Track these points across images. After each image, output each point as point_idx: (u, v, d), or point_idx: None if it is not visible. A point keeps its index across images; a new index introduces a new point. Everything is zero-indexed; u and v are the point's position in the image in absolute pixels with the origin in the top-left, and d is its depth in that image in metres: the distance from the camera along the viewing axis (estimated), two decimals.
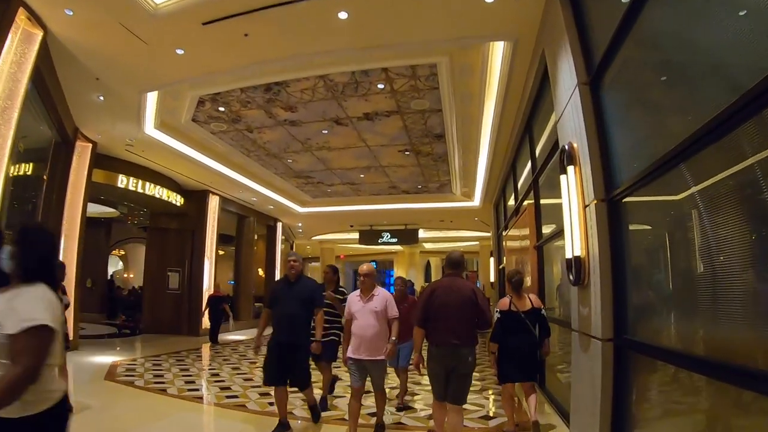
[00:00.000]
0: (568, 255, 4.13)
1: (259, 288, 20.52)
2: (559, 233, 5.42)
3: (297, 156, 12.79)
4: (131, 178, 12.75)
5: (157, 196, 13.57)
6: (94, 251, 19.29)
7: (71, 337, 10.22)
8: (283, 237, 23.53)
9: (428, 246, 30.77)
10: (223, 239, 21.16)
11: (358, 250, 32.64)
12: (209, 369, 9.66)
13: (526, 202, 8.24)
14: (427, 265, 35.54)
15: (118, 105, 9.01)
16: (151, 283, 15.76)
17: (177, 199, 14.58)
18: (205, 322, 14.32)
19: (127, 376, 8.46)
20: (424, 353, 4.54)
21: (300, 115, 9.95)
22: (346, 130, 10.67)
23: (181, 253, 15.54)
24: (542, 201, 7.10)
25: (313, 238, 26.83)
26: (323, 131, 10.82)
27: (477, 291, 4.51)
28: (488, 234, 22.15)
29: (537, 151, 7.33)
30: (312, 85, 8.56)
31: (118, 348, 12.30)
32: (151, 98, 9.19)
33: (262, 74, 8.12)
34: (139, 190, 12.96)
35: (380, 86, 8.47)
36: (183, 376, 8.68)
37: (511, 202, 11.01)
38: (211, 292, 14.68)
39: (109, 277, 19.75)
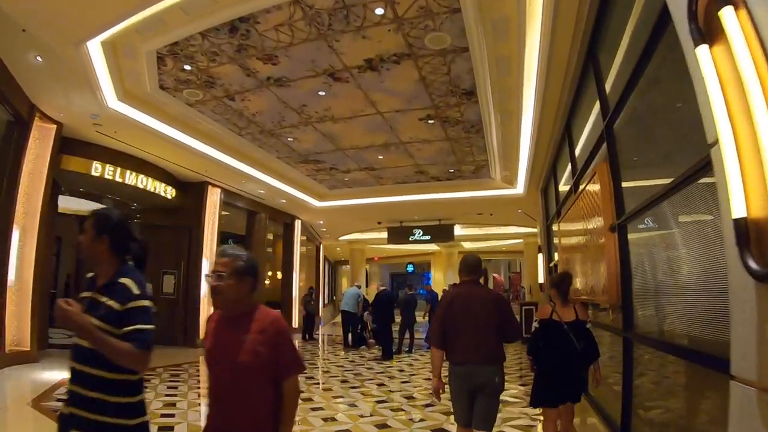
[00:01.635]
0: (737, 213, 1.66)
1: (275, 293, 18.40)
2: (658, 200, 3.28)
3: (297, 132, 10.53)
4: (108, 166, 10.74)
5: (141, 186, 11.52)
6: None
7: (28, 347, 8.63)
8: (305, 237, 21.42)
9: (467, 245, 28.27)
10: (232, 240, 19.31)
11: (393, 252, 30.54)
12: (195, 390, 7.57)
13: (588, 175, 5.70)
14: None
15: (60, 66, 7.21)
16: None
17: (168, 192, 12.54)
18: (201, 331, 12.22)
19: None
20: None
21: (284, 69, 7.68)
22: (347, 88, 8.31)
23: (176, 254, 13.51)
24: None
25: (341, 238, 24.58)
26: (319, 93, 8.50)
27: (501, 298, 4.16)
28: (534, 230, 19.60)
29: (608, 87, 4.87)
30: (287, 17, 6.24)
31: None
32: (98, 57, 7.21)
33: (219, 4, 5.98)
34: (118, 179, 10.96)
35: (378, 11, 6.07)
36: (158, 399, 6.85)
37: (563, 184, 8.64)
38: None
39: None
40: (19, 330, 8.56)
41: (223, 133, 10.69)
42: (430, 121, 9.77)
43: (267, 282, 20.30)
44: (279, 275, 18.94)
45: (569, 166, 7.78)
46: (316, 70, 7.71)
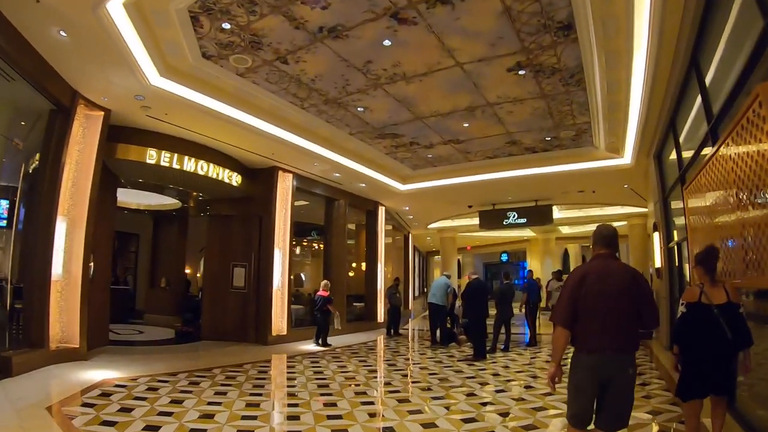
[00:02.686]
0: None
1: (359, 286, 17.22)
2: None
3: (366, 99, 9.17)
4: (164, 153, 10.01)
5: (203, 173, 10.65)
6: (167, 248, 17.32)
7: (76, 344, 8.01)
8: (390, 226, 20.13)
9: (565, 231, 25.97)
10: (315, 231, 18.36)
11: (486, 240, 28.82)
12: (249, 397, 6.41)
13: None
14: (565, 254, 30.41)
15: (88, 39, 6.51)
16: (212, 280, 13.03)
17: (234, 179, 11.59)
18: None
19: (100, 403, 5.71)
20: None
21: (337, 14, 6.38)
22: (416, 33, 6.80)
23: (247, 245, 12.63)
24: None
25: (430, 226, 23.03)
26: (384, 42, 7.07)
27: (640, 275, 3.63)
28: (640, 209, 17.58)
29: None
30: None
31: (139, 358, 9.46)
32: (126, 25, 6.38)
33: None
34: (176, 165, 10.18)
35: None
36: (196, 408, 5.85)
37: (687, 144, 6.78)
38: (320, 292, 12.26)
39: (187, 277, 17.51)
40: (68, 326, 7.92)
41: (284, 108, 9.61)
42: (520, 72, 8.06)
43: (351, 274, 19.19)
44: (363, 267, 17.72)
45: (690, 121, 5.90)
46: (375, 10, 6.32)
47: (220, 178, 11.12)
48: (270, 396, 6.68)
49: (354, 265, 18.78)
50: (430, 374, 8.43)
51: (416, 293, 27.88)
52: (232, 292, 12.56)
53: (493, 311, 11.16)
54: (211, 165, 10.87)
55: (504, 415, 5.77)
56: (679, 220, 9.40)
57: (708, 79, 5.92)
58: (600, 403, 3.42)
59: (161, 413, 5.55)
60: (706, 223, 5.77)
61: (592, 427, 3.49)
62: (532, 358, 10.18)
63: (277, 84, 8.65)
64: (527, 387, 7.33)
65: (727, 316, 3.84)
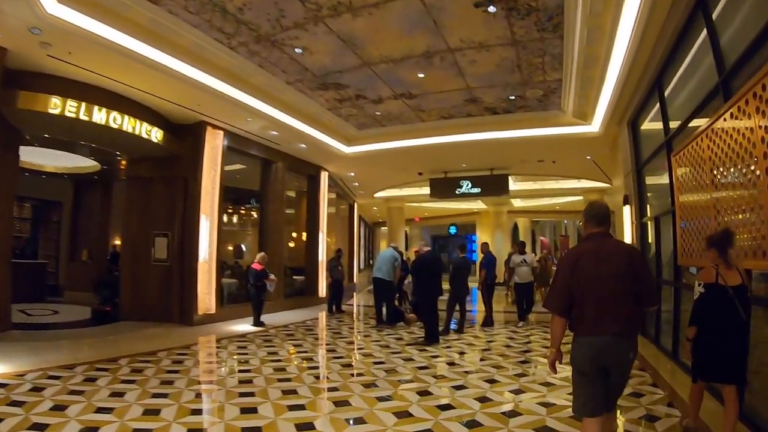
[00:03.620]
0: None
1: (300, 258, 15.81)
2: None
3: (305, 37, 7.69)
4: (70, 101, 8.24)
5: (116, 126, 8.88)
6: (89, 216, 15.40)
7: None
8: (335, 194, 18.72)
9: (517, 204, 25.26)
10: (250, 197, 16.74)
11: (435, 211, 27.77)
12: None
13: None
14: (515, 228, 29.85)
15: None
16: (131, 252, 11.26)
17: (155, 134, 9.83)
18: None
19: None
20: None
21: None
22: None
23: (170, 211, 10.95)
24: None
25: (377, 195, 21.69)
26: None
27: (636, 252, 3.60)
28: (598, 184, 17.34)
29: None
30: None
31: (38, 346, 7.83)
32: None
33: None
34: (83, 116, 8.39)
35: None
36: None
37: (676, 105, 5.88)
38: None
39: (112, 249, 15.55)
40: None
41: (208, 47, 8.09)
42: (490, 9, 6.76)
43: (291, 245, 17.73)
44: (305, 237, 16.29)
45: (680, 78, 4.82)
46: None
47: (137, 132, 9.38)
48: (177, 398, 5.26)
49: (294, 235, 17.36)
50: (375, 363, 7.17)
51: (362, 266, 26.68)
52: (154, 265, 10.91)
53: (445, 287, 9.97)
54: (126, 117, 9.12)
55: (470, 425, 4.56)
56: (655, 194, 8.55)
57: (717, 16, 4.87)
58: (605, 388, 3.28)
59: (34, 427, 4.20)
60: (703, 198, 5.09)
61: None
62: (489, 341, 9.07)
63: (199, 15, 7.08)
64: (490, 381, 6.17)
65: (741, 299, 3.80)
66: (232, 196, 19.10)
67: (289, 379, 6.19)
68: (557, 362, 3.44)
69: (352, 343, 9.07)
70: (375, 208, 26.07)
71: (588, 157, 13.36)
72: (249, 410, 4.90)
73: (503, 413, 4.89)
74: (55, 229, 16.44)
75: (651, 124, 8.32)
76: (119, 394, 5.28)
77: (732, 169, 4.32)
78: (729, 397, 3.82)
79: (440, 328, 9.28)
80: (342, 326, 11.10)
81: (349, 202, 22.21)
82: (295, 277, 15.53)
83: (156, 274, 10.87)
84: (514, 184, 17.59)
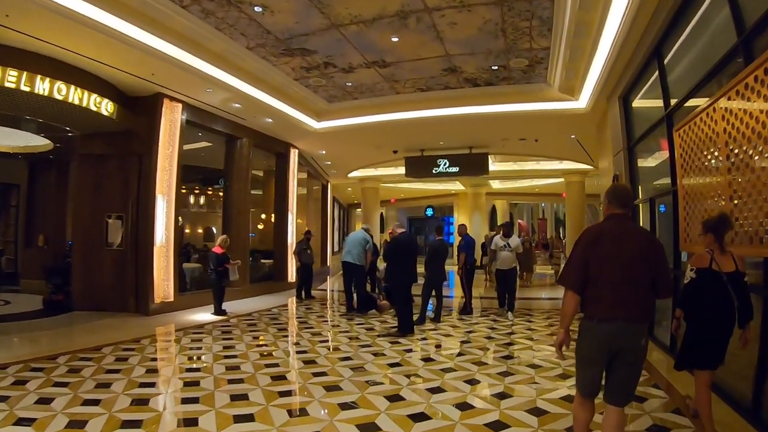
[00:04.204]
0: None
1: (269, 241, 14.94)
2: None
3: None
4: (9, 70, 7.27)
5: (60, 97, 7.88)
6: (45, 199, 14.29)
7: None
8: (306, 174, 17.83)
9: (495, 186, 24.69)
10: (218, 177, 15.78)
11: (411, 192, 27.06)
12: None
13: None
14: (493, 210, 29.31)
15: None
16: (83, 236, 10.25)
17: (106, 107, 8.81)
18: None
19: None
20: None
21: None
22: None
23: (124, 192, 10.00)
24: None
25: (350, 174, 20.78)
26: None
27: (657, 242, 3.33)
28: (580, 166, 17.11)
29: None
30: None
31: None
32: None
33: None
34: (24, 87, 7.41)
35: None
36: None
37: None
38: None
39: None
40: None
41: (158, 6, 7.25)
42: None
43: (261, 227, 16.86)
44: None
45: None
46: None
47: (85, 104, 8.37)
48: (110, 405, 4.45)
49: (263, 216, 16.51)
50: (342, 359, 6.42)
51: (335, 249, 25.88)
52: (108, 250, 9.96)
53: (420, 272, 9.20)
54: (73, 88, 8.12)
55: None
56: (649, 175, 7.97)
57: None
58: (608, 375, 3.18)
59: None
60: (713, 179, 4.53)
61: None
62: (468, 332, 8.36)
63: None
64: (471, 382, 5.44)
65: (735, 286, 3.68)
66: (198, 176, 18.14)
67: (241, 380, 5.42)
68: (565, 346, 3.28)
69: (318, 334, 8.26)
70: (349, 188, 25.19)
71: (573, 137, 12.73)
72: (190, 422, 4.12)
73: (488, 426, 4.15)
74: (14, 214, 15.41)
75: (644, 101, 7.70)
76: (47, 401, 4.54)
77: (755, 144, 3.64)
78: (704, 380, 3.76)
79: (415, 317, 8.56)
80: (309, 314, 10.29)
81: (321, 182, 21.31)
82: (263, 261, 14.68)
83: (110, 260, 9.94)
84: (493, 165, 16.93)
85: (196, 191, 20.31)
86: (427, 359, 6.48)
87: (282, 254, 14.32)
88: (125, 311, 9.55)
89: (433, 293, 9.39)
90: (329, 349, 7.12)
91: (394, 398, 4.84)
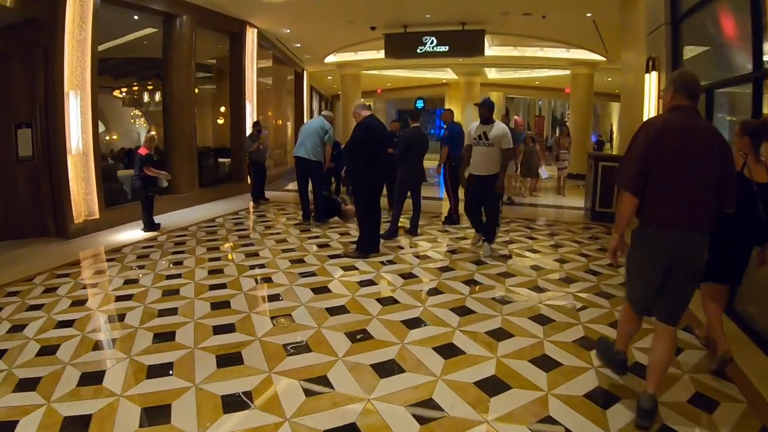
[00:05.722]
0: None
1: (222, 138, 12.92)
2: None
3: None
4: None
5: None
6: None
7: None
8: (272, 60, 15.39)
9: (491, 75, 22.56)
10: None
11: (398, 82, 24.90)
12: None
13: None
14: None
15: None
16: None
17: None
18: None
19: None
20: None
21: None
22: None
23: (32, 94, 7.83)
24: None
25: (327, 60, 18.24)
26: None
27: (726, 142, 2.82)
28: (589, 56, 15.51)
29: None
30: None
31: None
32: None
33: None
34: None
35: None
36: None
37: None
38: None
39: None
40: None
41: None
42: None
43: (221, 122, 14.76)
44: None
45: None
46: None
47: None
48: None
49: (223, 109, 14.39)
50: (270, 299, 4.70)
51: None
52: (20, 165, 7.93)
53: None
54: None
55: None
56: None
57: None
58: (661, 290, 2.80)
59: None
60: None
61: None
62: (451, 251, 6.58)
63: None
64: (450, 352, 3.73)
65: (765, 199, 3.33)
66: (154, 70, 15.67)
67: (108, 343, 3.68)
68: (619, 252, 2.93)
69: (254, 255, 6.43)
70: (330, 77, 22.68)
71: (588, 15, 10.73)
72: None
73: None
74: None
75: None
76: None
77: None
78: (711, 293, 3.53)
79: (384, 232, 6.80)
80: (257, 225, 8.48)
81: (296, 69, 18.83)
82: (221, 160, 12.75)
83: (23, 177, 7.96)
84: (489, 50, 14.65)
85: (150, 87, 17.86)
86: (389, 301, 4.68)
87: (239, 153, 12.35)
88: (46, 236, 7.81)
89: (409, 195, 7.51)
90: (259, 280, 5.34)
91: (317, 381, 3.13)
